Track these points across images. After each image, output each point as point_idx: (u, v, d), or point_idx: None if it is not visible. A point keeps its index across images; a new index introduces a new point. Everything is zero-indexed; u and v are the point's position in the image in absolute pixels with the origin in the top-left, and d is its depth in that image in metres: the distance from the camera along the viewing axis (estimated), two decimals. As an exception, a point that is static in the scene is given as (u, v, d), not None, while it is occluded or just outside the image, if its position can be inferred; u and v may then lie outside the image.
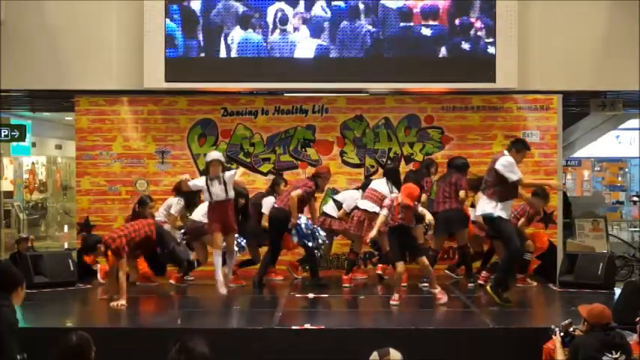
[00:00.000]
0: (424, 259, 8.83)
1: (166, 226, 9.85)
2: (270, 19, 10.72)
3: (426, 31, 10.76)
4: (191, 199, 10.14)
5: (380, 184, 10.20)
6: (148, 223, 9.16)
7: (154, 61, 10.67)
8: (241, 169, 10.02)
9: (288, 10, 10.74)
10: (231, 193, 8.86)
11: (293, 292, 9.79)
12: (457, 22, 10.75)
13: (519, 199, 9.36)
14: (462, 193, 10.13)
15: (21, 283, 4.89)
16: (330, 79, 10.81)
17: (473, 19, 10.75)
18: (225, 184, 8.76)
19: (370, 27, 10.75)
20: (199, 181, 8.95)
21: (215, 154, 9.12)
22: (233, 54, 10.77)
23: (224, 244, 9.07)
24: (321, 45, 10.77)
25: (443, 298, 8.82)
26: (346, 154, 11.42)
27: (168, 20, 10.71)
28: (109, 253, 8.82)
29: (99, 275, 10.64)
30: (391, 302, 8.70)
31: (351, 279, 10.29)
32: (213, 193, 8.74)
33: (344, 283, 10.19)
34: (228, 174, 8.89)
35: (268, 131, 11.38)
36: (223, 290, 8.89)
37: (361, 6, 10.74)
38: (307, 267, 10.67)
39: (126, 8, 10.98)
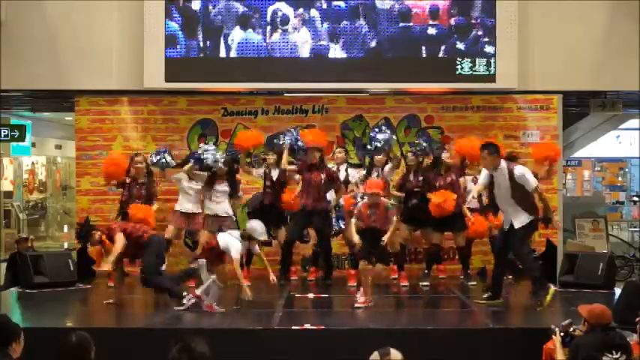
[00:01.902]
0: (380, 267, 8.63)
1: None
2: (270, 19, 10.73)
3: (426, 31, 10.76)
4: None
5: None
6: (146, 229, 8.97)
7: (154, 61, 10.68)
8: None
9: (288, 10, 10.74)
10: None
11: (293, 292, 9.78)
12: (457, 21, 10.76)
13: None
14: None
15: (17, 337, 4.75)
16: (330, 79, 10.82)
17: (473, 19, 10.76)
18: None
19: (370, 27, 10.76)
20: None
21: None
22: (233, 54, 10.78)
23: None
24: (321, 45, 10.77)
25: (363, 301, 8.53)
26: (346, 154, 11.41)
27: (168, 20, 10.73)
28: (104, 241, 8.56)
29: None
30: (355, 305, 8.47)
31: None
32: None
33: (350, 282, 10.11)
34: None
35: (268, 131, 11.37)
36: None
37: (361, 6, 10.75)
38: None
39: (126, 8, 10.99)
